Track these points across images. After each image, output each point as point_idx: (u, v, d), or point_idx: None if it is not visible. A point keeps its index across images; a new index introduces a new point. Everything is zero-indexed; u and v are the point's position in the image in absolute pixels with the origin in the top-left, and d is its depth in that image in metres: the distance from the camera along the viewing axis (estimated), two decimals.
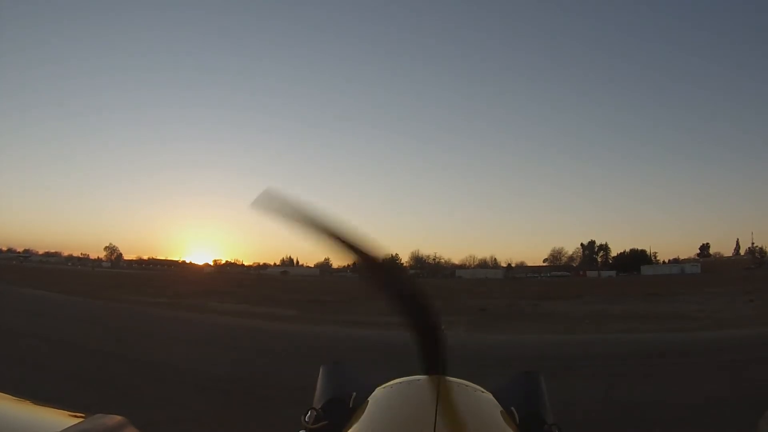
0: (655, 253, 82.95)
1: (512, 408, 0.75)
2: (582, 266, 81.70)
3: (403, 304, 0.77)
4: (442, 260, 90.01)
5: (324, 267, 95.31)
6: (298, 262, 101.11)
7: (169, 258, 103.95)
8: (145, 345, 7.50)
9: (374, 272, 0.77)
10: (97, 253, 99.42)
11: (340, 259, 0.75)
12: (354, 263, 0.75)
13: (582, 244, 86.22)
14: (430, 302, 0.77)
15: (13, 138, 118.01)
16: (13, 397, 0.60)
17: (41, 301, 14.52)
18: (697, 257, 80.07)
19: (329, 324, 11.76)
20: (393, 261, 0.78)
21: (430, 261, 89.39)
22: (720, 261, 76.98)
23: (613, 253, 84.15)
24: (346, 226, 0.71)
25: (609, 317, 13.09)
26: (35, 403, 0.60)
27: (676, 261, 78.98)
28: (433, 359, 0.77)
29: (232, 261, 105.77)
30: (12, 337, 7.61)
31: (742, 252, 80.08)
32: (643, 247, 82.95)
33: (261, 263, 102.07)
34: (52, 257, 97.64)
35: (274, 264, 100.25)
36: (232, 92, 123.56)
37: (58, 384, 4.78)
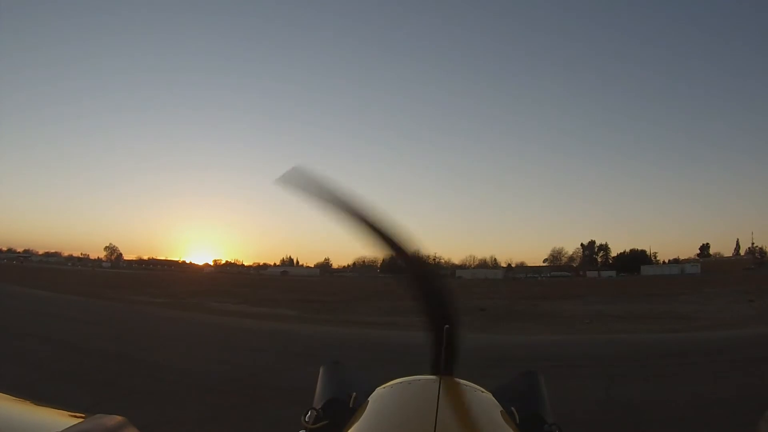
0: (655, 253, 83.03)
1: (512, 408, 0.75)
2: (582, 266, 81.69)
3: (426, 301, 0.78)
4: (442, 260, 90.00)
5: (324, 267, 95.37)
6: (298, 262, 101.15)
7: (169, 258, 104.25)
8: (146, 345, 7.50)
9: (403, 264, 0.78)
10: (97, 253, 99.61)
11: (369, 248, 0.76)
12: (384, 253, 0.75)
13: (582, 245, 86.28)
14: (453, 303, 0.78)
15: (13, 139, 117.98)
16: (13, 397, 0.60)
17: (41, 301, 14.52)
18: (697, 257, 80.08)
19: (328, 324, 11.76)
20: (423, 256, 0.80)
21: (431, 261, 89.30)
22: (720, 261, 76.98)
23: (613, 253, 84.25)
24: (377, 214, 0.71)
25: (609, 317, 13.09)
26: (35, 403, 0.60)
27: (676, 261, 78.98)
28: (442, 360, 0.78)
29: (232, 261, 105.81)
30: (13, 337, 7.62)
31: (742, 252, 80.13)
32: (643, 248, 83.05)
33: (261, 263, 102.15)
34: (52, 257, 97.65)
35: (274, 264, 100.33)
36: (232, 94, 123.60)
37: (56, 383, 4.78)
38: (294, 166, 0.74)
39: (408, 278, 0.79)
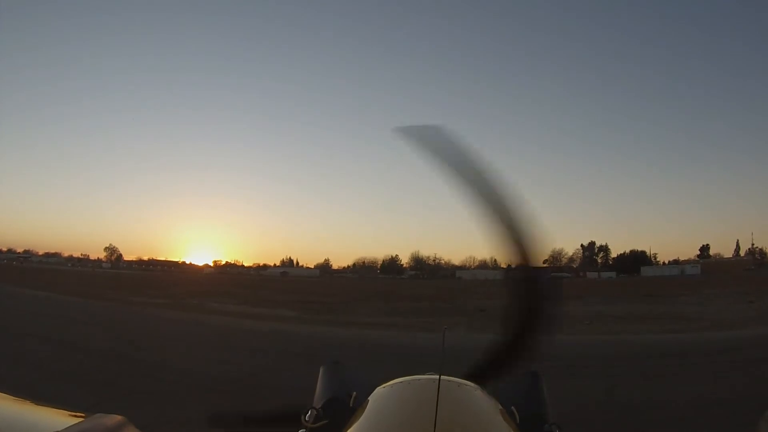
0: (655, 254, 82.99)
1: (512, 408, 0.75)
2: (582, 267, 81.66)
3: (520, 303, 0.76)
4: (443, 261, 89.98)
5: (324, 268, 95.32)
6: (298, 262, 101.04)
7: (169, 259, 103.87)
8: (146, 345, 7.50)
9: (514, 255, 0.76)
10: (97, 253, 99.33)
11: (482, 223, 0.71)
12: (496, 236, 0.73)
13: (582, 245, 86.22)
14: (542, 317, 0.76)
15: (13, 139, 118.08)
16: (13, 397, 0.60)
17: (41, 302, 14.52)
18: (697, 258, 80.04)
19: (328, 325, 11.75)
20: (536, 255, 0.77)
21: (431, 262, 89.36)
22: (720, 262, 76.95)
23: (613, 254, 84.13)
24: (506, 195, 0.68)
25: (609, 318, 13.09)
26: (35, 403, 0.60)
27: (676, 262, 78.95)
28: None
29: (232, 262, 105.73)
30: (13, 337, 7.61)
31: (742, 253, 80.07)
32: (643, 248, 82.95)
33: (261, 264, 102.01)
34: (52, 258, 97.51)
35: (274, 265, 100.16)
36: (232, 94, 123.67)
37: (57, 383, 4.78)
38: (427, 125, 0.72)
39: (514, 271, 0.77)
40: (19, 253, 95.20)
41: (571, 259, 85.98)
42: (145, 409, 4.02)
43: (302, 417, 0.77)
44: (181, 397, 4.60)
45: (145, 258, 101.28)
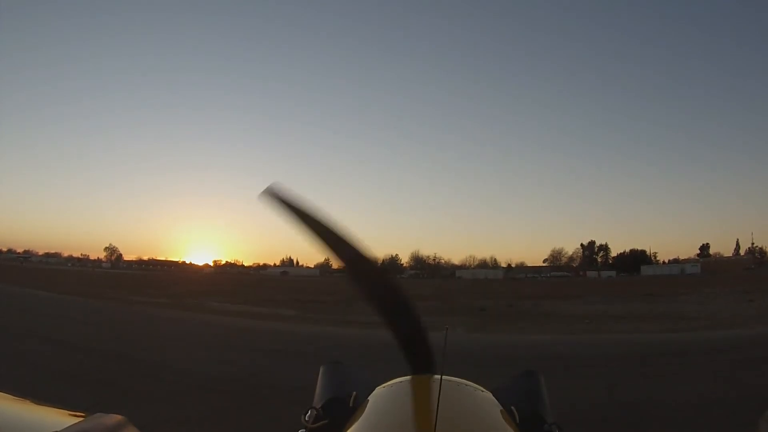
0: (655, 253, 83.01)
1: (512, 407, 0.74)
2: (582, 266, 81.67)
3: (386, 306, 0.79)
4: (442, 260, 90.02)
5: (324, 267, 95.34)
6: (297, 262, 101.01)
7: (169, 258, 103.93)
8: (146, 345, 7.50)
9: (361, 273, 0.79)
10: (97, 253, 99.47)
11: (332, 259, 0.75)
12: (343, 264, 0.76)
13: (582, 245, 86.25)
14: (412, 304, 0.79)
15: (13, 139, 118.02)
16: (13, 397, 0.60)
17: (41, 301, 14.52)
18: (697, 257, 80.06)
19: (328, 324, 11.75)
20: (377, 262, 0.81)
21: (430, 261, 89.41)
22: (720, 261, 76.94)
23: (613, 253, 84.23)
24: (338, 226, 0.73)
25: (609, 317, 13.09)
26: (35, 403, 0.60)
27: (676, 261, 78.99)
28: (420, 359, 0.78)
29: (232, 261, 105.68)
30: (13, 337, 7.61)
31: (742, 252, 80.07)
32: (643, 248, 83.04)
33: (261, 264, 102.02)
34: (52, 258, 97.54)
35: (274, 264, 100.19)
36: (232, 94, 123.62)
37: (56, 383, 4.78)
38: (272, 183, 0.74)
39: (363, 284, 0.81)
40: (19, 253, 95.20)
41: (571, 259, 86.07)
42: (144, 409, 4.02)
43: (302, 417, 0.77)
44: (181, 397, 4.60)
45: (145, 258, 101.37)
